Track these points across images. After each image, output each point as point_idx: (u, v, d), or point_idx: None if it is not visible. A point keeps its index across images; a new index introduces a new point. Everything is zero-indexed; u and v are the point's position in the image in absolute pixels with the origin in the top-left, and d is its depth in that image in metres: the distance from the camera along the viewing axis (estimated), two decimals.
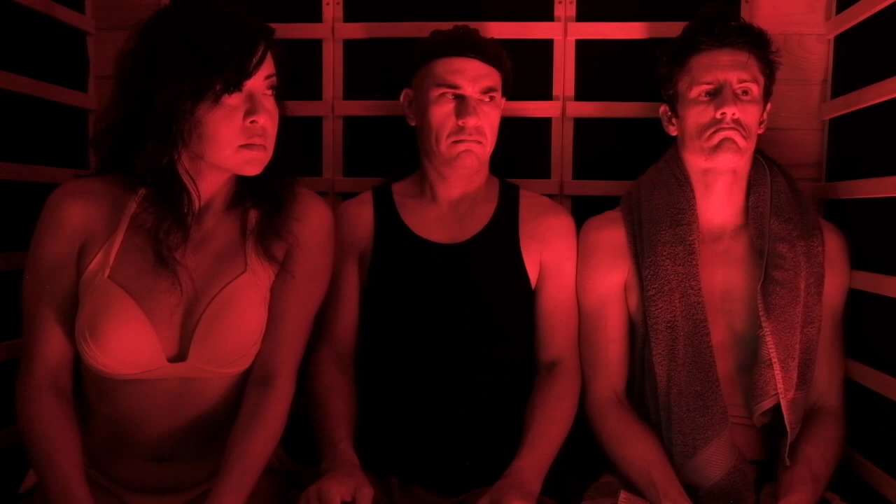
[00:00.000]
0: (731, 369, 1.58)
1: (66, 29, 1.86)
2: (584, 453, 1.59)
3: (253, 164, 1.33)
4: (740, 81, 1.55)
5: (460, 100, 1.58)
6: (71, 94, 1.86)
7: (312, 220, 1.45)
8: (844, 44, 1.78)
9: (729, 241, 1.62)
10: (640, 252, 1.61)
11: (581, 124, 1.89)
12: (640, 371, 1.63)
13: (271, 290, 1.41)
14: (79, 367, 1.39)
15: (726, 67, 1.55)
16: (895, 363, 1.49)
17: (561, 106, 1.88)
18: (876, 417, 1.56)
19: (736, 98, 1.55)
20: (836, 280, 1.62)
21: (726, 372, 1.56)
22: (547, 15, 1.88)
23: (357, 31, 1.91)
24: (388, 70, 1.85)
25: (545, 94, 1.89)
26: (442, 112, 1.58)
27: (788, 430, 1.51)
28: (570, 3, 1.87)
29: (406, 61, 1.67)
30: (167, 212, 1.33)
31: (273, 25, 1.34)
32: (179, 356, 1.35)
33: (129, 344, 1.31)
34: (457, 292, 1.61)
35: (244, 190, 1.41)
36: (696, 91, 1.57)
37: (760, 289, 1.54)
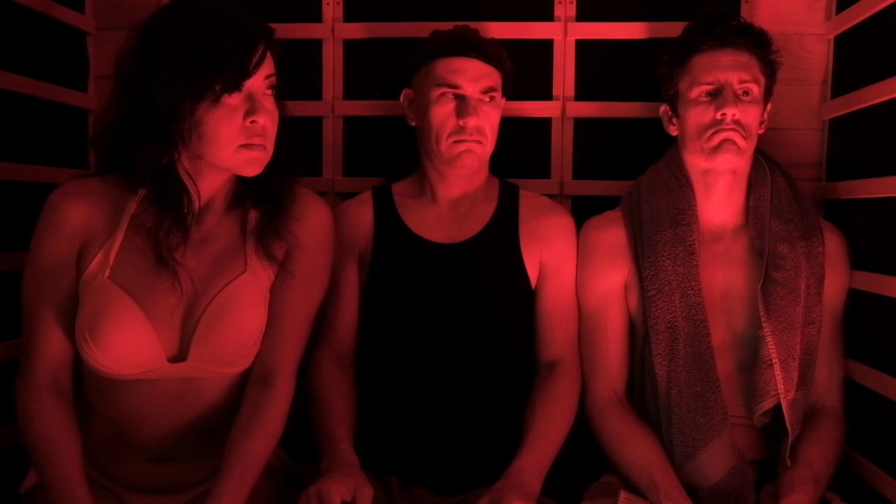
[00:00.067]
0: (731, 370, 1.58)
1: (66, 29, 1.86)
2: (584, 453, 1.59)
3: (253, 164, 1.33)
4: (741, 82, 1.55)
5: (461, 100, 1.58)
6: (71, 94, 1.86)
7: (312, 219, 1.45)
8: (844, 44, 1.78)
9: (729, 242, 1.62)
10: (641, 252, 1.61)
11: (581, 124, 1.89)
12: (640, 371, 1.63)
13: (271, 290, 1.41)
14: (79, 367, 1.39)
15: (727, 68, 1.55)
16: (895, 363, 1.49)
17: (561, 106, 1.88)
18: (876, 417, 1.56)
19: (736, 98, 1.54)
20: (837, 280, 1.62)
21: (726, 372, 1.56)
22: (547, 15, 1.88)
23: (357, 31, 1.91)
24: (388, 70, 1.85)
25: (545, 94, 1.89)
26: (442, 112, 1.58)
27: (789, 430, 1.51)
28: (570, 3, 1.87)
29: (406, 61, 1.67)
30: (167, 212, 1.33)
31: (273, 25, 1.34)
32: (179, 356, 1.34)
33: (129, 344, 1.31)
34: (457, 292, 1.61)
35: (244, 190, 1.41)
36: (697, 91, 1.57)
37: (761, 289, 1.54)
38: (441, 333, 1.59)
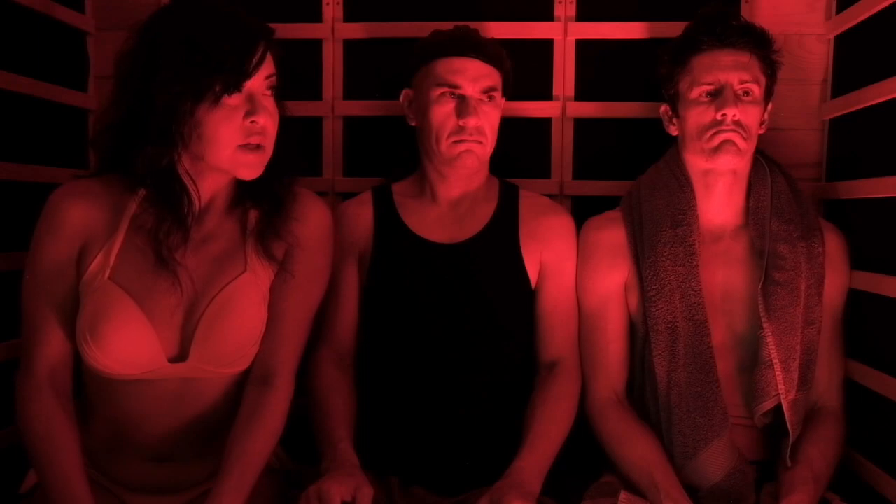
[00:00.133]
0: (731, 370, 1.58)
1: (66, 29, 1.86)
2: (584, 453, 1.59)
3: (250, 167, 1.33)
4: (741, 82, 1.55)
5: (461, 100, 1.58)
6: (71, 94, 1.86)
7: (312, 219, 1.45)
8: (844, 44, 1.78)
9: (729, 242, 1.62)
10: (641, 252, 1.61)
11: (581, 124, 1.89)
12: (640, 371, 1.63)
13: (271, 290, 1.41)
14: (79, 367, 1.39)
15: (727, 68, 1.55)
16: (895, 363, 1.49)
17: (561, 106, 1.88)
18: (876, 417, 1.56)
19: (737, 99, 1.54)
20: (837, 280, 1.62)
21: (727, 372, 1.56)
22: (547, 15, 1.88)
23: (357, 31, 1.91)
24: (388, 70, 1.85)
25: (545, 94, 1.89)
26: (442, 112, 1.58)
27: (790, 430, 1.51)
28: (570, 3, 1.87)
29: (406, 61, 1.67)
30: (167, 212, 1.33)
31: (273, 25, 1.34)
32: (180, 356, 1.34)
33: (129, 345, 1.31)
34: (457, 292, 1.61)
35: (244, 190, 1.41)
36: (697, 91, 1.57)
37: (761, 289, 1.54)
38: (441, 333, 1.59)
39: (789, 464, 1.49)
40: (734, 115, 1.53)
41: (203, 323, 1.34)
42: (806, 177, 1.80)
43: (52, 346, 1.34)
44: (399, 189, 1.71)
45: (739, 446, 1.53)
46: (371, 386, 1.62)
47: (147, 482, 1.40)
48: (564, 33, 1.87)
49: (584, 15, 1.87)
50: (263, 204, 1.41)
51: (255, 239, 1.40)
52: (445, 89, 1.58)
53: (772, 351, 1.52)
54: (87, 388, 1.42)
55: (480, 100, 1.59)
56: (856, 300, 1.63)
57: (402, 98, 1.68)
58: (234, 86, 1.27)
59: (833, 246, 1.63)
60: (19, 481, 1.45)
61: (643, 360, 1.61)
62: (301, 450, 1.56)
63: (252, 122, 1.30)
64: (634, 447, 1.53)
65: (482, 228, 1.65)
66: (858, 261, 1.63)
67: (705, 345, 1.54)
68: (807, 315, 1.56)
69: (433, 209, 1.67)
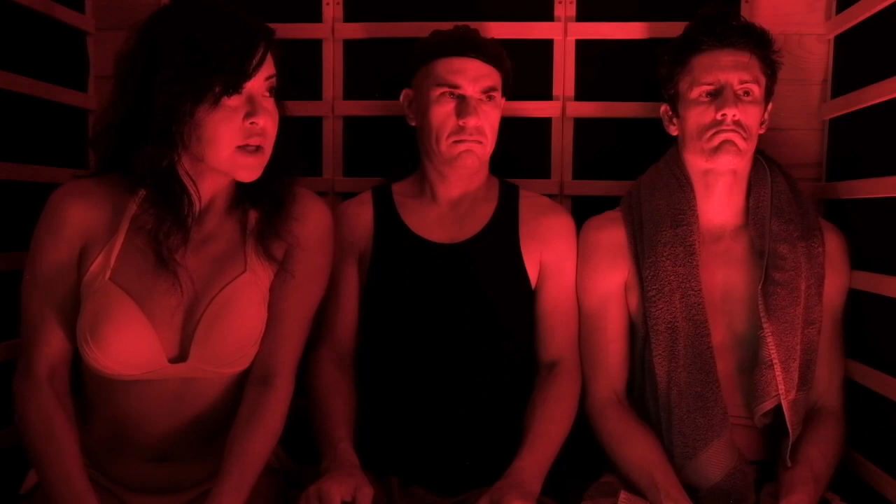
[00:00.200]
0: (731, 370, 1.58)
1: (66, 29, 1.86)
2: (584, 453, 1.59)
3: (249, 169, 1.32)
4: (741, 82, 1.55)
5: (460, 100, 1.58)
6: (71, 94, 1.86)
7: (311, 219, 1.45)
8: (844, 44, 1.78)
9: (729, 242, 1.62)
10: (641, 252, 1.61)
11: (581, 124, 1.89)
12: (640, 371, 1.63)
13: (271, 290, 1.41)
14: (79, 367, 1.39)
15: (727, 68, 1.55)
16: (895, 363, 1.49)
17: (561, 106, 1.88)
18: (876, 417, 1.56)
19: (737, 99, 1.54)
20: (837, 280, 1.62)
21: (727, 373, 1.56)
22: (547, 15, 1.88)
23: (357, 31, 1.91)
24: (388, 70, 1.85)
25: (545, 94, 1.89)
26: (442, 112, 1.58)
27: (790, 430, 1.51)
28: (570, 3, 1.87)
29: (406, 61, 1.67)
30: (167, 213, 1.32)
31: (273, 25, 1.34)
32: (180, 357, 1.35)
33: (130, 345, 1.31)
34: (457, 292, 1.61)
35: (244, 191, 1.41)
36: (697, 91, 1.57)
37: (761, 289, 1.54)
38: (441, 333, 1.59)
39: (789, 464, 1.49)
40: (734, 115, 1.53)
41: (203, 323, 1.34)
42: (806, 177, 1.80)
43: (51, 346, 1.34)
44: (399, 189, 1.71)
45: (739, 446, 1.53)
46: (371, 386, 1.62)
47: (147, 482, 1.40)
48: (564, 33, 1.87)
49: (584, 15, 1.87)
50: (263, 204, 1.41)
51: (255, 239, 1.40)
52: (445, 89, 1.58)
53: (772, 351, 1.52)
54: (87, 389, 1.42)
55: (480, 100, 1.59)
56: (856, 300, 1.63)
57: (402, 98, 1.68)
58: (234, 87, 1.27)
59: (833, 246, 1.63)
60: (19, 481, 1.45)
61: (643, 360, 1.61)
62: (301, 450, 1.56)
63: (252, 123, 1.30)
64: (634, 447, 1.53)
65: (482, 228, 1.65)
66: (858, 261, 1.63)
67: (705, 345, 1.54)
68: (807, 315, 1.56)
69: (433, 209, 1.67)
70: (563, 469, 1.53)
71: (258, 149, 1.32)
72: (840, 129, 1.79)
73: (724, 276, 1.60)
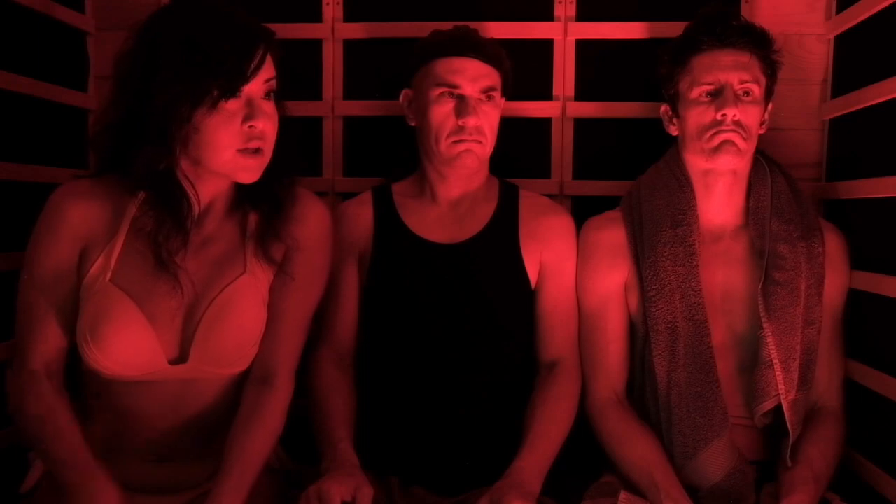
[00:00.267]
0: (731, 370, 1.58)
1: (66, 29, 1.86)
2: (584, 453, 1.59)
3: (249, 171, 1.32)
4: (741, 82, 1.55)
5: (460, 99, 1.58)
6: (71, 94, 1.86)
7: (311, 220, 1.45)
8: (844, 44, 1.78)
9: (729, 242, 1.62)
10: (641, 252, 1.61)
11: (581, 124, 1.89)
12: (640, 371, 1.63)
13: (270, 291, 1.41)
14: (79, 368, 1.38)
15: (727, 68, 1.55)
16: (895, 363, 1.49)
17: (561, 106, 1.88)
18: (876, 417, 1.56)
19: (737, 99, 1.54)
20: (837, 280, 1.62)
21: (727, 373, 1.56)
22: (547, 15, 1.88)
23: (357, 31, 1.91)
24: (388, 70, 1.85)
25: (545, 94, 1.89)
26: (442, 112, 1.58)
27: (790, 431, 1.51)
28: (570, 3, 1.87)
29: (406, 61, 1.67)
30: (167, 216, 1.32)
31: (273, 25, 1.34)
32: (180, 358, 1.35)
33: (130, 347, 1.31)
34: (457, 292, 1.61)
35: (244, 193, 1.41)
36: (697, 91, 1.57)
37: (761, 289, 1.54)
38: (441, 333, 1.59)
39: (789, 464, 1.49)
40: (734, 115, 1.53)
41: (203, 325, 1.34)
42: (806, 177, 1.80)
43: (47, 343, 1.34)
44: (399, 189, 1.71)
45: (739, 446, 1.53)
46: (371, 386, 1.62)
47: (147, 482, 1.40)
48: (564, 33, 1.87)
49: (584, 15, 1.87)
50: (263, 206, 1.41)
51: (255, 241, 1.40)
52: (445, 89, 1.58)
53: (772, 351, 1.52)
54: (86, 389, 1.42)
55: (480, 100, 1.59)
56: (856, 300, 1.63)
57: (401, 98, 1.68)
58: (232, 91, 1.26)
59: (833, 246, 1.63)
60: (19, 481, 1.45)
61: (643, 360, 1.61)
62: (301, 450, 1.56)
63: (251, 126, 1.29)
64: (634, 447, 1.53)
65: (482, 228, 1.65)
66: (858, 261, 1.63)
67: (705, 345, 1.54)
68: (807, 315, 1.56)
69: (433, 209, 1.67)
70: (563, 469, 1.53)
71: (258, 151, 1.32)
72: (840, 129, 1.79)
73: (724, 276, 1.60)
